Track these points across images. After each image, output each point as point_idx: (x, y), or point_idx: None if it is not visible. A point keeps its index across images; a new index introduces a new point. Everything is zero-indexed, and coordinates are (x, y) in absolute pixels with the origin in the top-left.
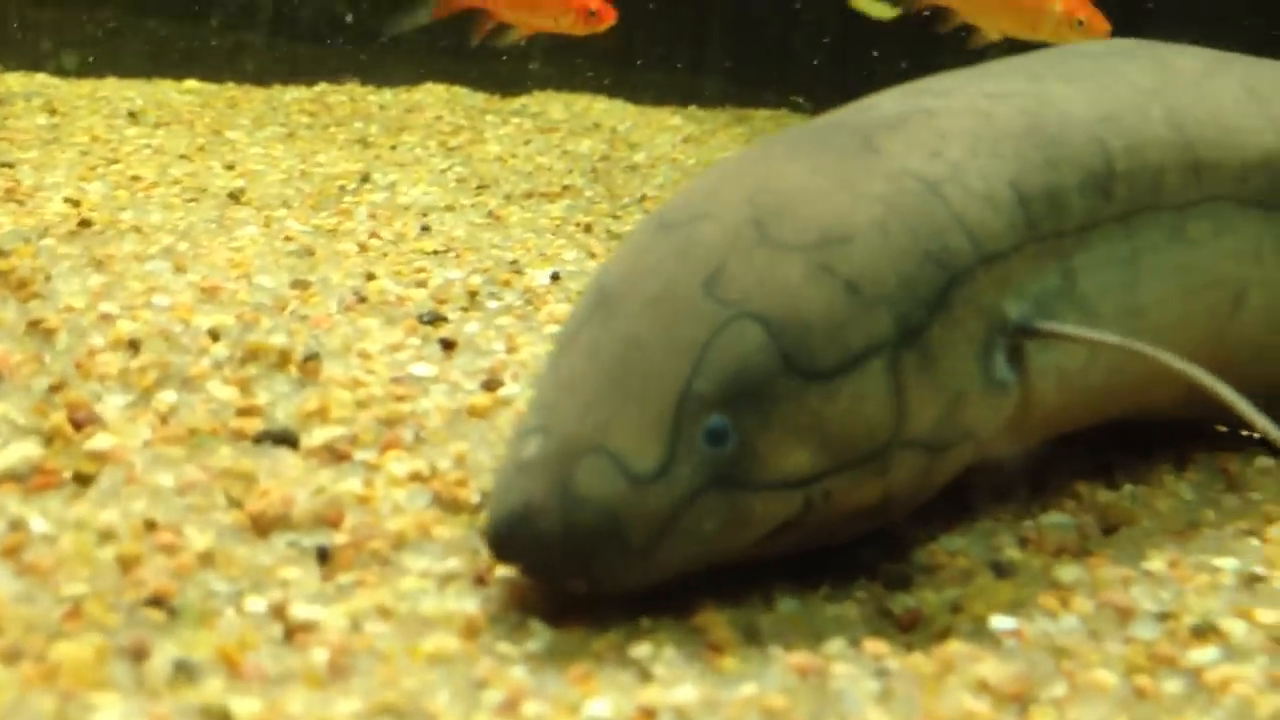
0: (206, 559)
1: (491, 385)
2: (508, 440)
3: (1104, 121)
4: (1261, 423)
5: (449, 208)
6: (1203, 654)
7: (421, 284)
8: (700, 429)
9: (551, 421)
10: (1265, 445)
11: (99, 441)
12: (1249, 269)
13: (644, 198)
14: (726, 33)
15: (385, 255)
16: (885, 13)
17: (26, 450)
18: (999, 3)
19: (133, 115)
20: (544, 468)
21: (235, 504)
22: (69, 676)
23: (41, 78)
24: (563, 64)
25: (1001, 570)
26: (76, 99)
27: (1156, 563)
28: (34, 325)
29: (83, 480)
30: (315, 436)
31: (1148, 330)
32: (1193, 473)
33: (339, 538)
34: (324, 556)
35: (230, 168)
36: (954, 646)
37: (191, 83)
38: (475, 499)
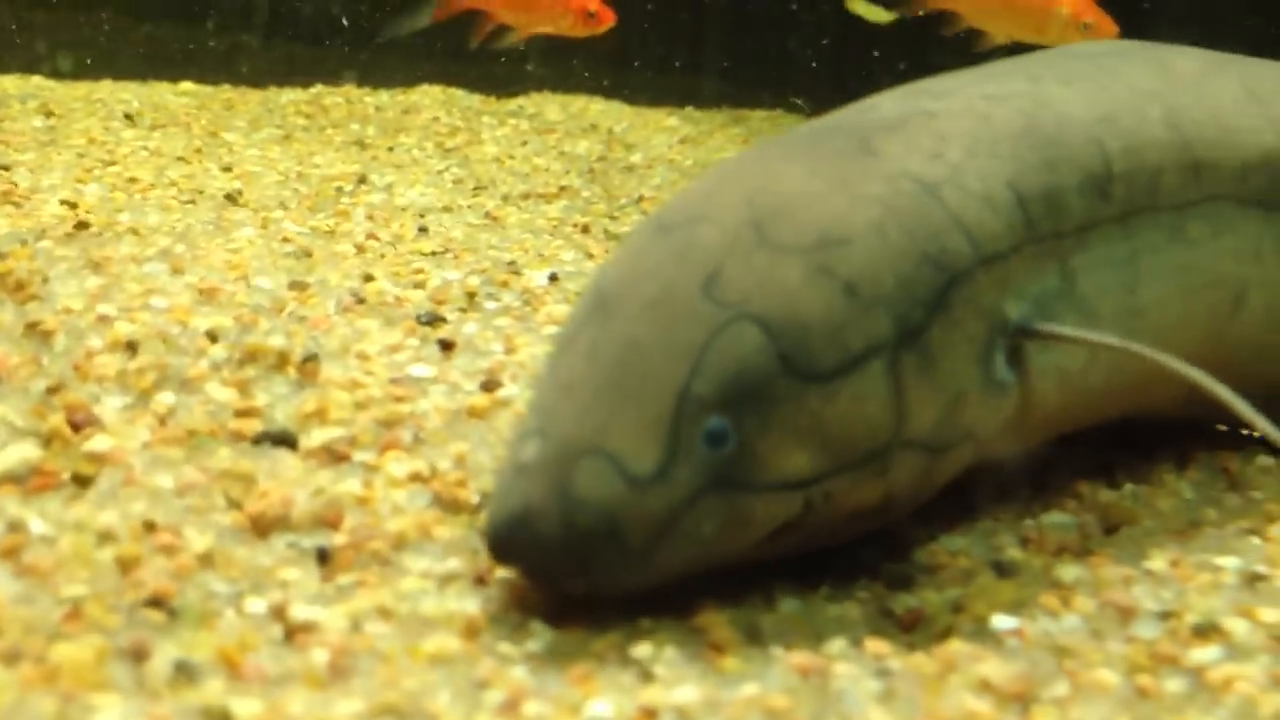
0: (206, 560)
1: (490, 386)
2: (507, 442)
3: (1102, 122)
4: (1261, 423)
5: (446, 209)
6: (1205, 653)
7: (419, 285)
8: (699, 431)
9: (550, 424)
10: (1265, 444)
11: (97, 443)
12: (1249, 269)
13: (641, 198)
14: (723, 33)
15: (383, 256)
16: (882, 17)
17: (25, 452)
18: (1005, 6)
19: (129, 117)
20: (543, 470)
21: (234, 505)
22: (69, 678)
23: (38, 80)
24: (559, 65)
25: (1003, 570)
26: (73, 101)
27: (1158, 562)
28: (32, 327)
29: (81, 481)
30: (314, 437)
31: (1147, 331)
32: (1194, 472)
33: (338, 538)
34: (324, 557)
35: (227, 169)
36: (956, 646)
37: (188, 85)
38: (475, 499)
